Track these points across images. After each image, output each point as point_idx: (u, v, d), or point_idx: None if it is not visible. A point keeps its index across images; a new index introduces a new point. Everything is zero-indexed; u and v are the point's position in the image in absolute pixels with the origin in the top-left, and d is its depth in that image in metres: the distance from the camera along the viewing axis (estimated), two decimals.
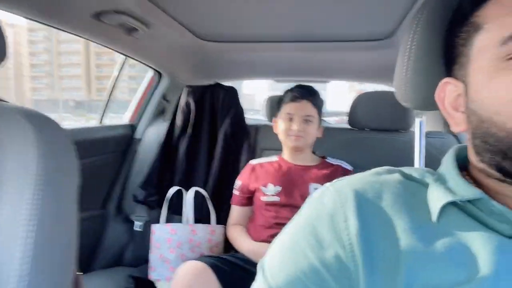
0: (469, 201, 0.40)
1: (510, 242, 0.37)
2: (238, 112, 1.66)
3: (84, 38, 1.24)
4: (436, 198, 0.41)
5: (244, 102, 1.79)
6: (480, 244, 0.37)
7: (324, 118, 2.66)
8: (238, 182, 1.41)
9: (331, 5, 1.14)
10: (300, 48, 1.49)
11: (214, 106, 1.67)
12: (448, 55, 0.46)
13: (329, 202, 0.43)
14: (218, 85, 1.72)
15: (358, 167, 1.08)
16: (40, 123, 0.46)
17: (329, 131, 1.66)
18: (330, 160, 1.39)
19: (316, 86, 1.49)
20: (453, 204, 0.41)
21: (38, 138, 0.44)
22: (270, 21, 1.32)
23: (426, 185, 0.44)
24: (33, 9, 0.96)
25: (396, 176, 0.46)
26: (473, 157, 0.43)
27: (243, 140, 1.63)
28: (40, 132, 0.44)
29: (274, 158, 1.40)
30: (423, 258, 0.37)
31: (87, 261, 1.56)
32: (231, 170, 1.56)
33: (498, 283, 0.35)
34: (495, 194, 0.41)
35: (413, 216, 0.40)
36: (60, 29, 1.11)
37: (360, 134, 1.58)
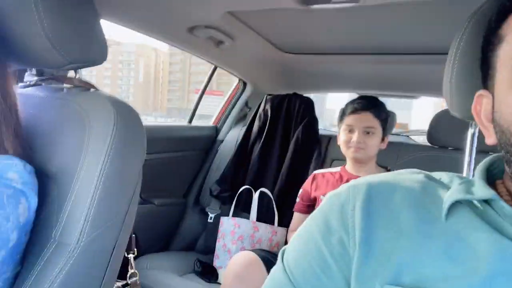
0: (487, 203, 0.40)
1: None
2: (311, 121, 1.72)
3: (180, 48, 1.46)
4: (450, 197, 0.42)
5: (327, 117, 1.83)
6: (482, 244, 0.37)
7: (411, 136, 2.52)
8: (301, 190, 1.46)
9: (414, 18, 1.14)
10: (380, 61, 1.49)
11: (290, 114, 1.76)
12: (482, 67, 0.47)
13: (343, 194, 0.47)
14: (295, 95, 1.80)
15: None
16: (120, 108, 0.60)
17: (407, 147, 1.60)
18: None
19: (401, 103, 1.46)
20: (467, 205, 0.41)
21: (117, 119, 0.58)
22: (349, 34, 1.36)
23: (448, 187, 0.45)
24: (140, 24, 1.19)
25: (418, 177, 0.47)
26: (505, 167, 0.43)
27: (314, 148, 1.67)
28: (119, 115, 0.59)
29: (337, 169, 1.42)
30: (419, 250, 0.39)
31: (166, 241, 1.78)
32: (299, 176, 1.62)
33: (491, 282, 0.35)
34: None
35: (421, 213, 0.42)
36: (161, 40, 1.34)
37: (438, 152, 1.49)
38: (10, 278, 0.52)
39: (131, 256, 0.76)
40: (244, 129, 1.86)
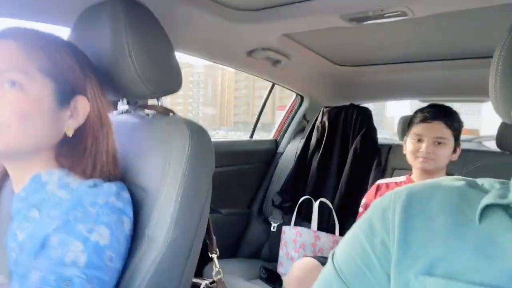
0: None
1: None
2: (369, 131, 1.73)
3: (240, 70, 1.59)
4: (483, 201, 0.44)
5: (388, 126, 1.83)
6: None
7: (483, 142, 2.37)
8: (363, 200, 1.45)
9: (464, 24, 1.13)
10: (433, 67, 1.47)
11: (347, 125, 1.79)
12: None
13: (386, 200, 0.52)
14: (352, 106, 1.83)
15: None
16: (194, 129, 0.72)
17: (474, 154, 1.53)
18: None
19: (470, 108, 1.42)
20: (503, 208, 0.44)
21: (191, 139, 0.70)
22: (401, 44, 1.38)
23: (487, 192, 0.47)
24: (205, 52, 1.34)
25: (458, 183, 0.50)
26: None
27: (373, 158, 1.68)
28: (193, 135, 0.71)
29: (402, 178, 1.39)
30: (451, 249, 0.42)
31: (233, 248, 1.90)
32: (359, 186, 1.64)
33: None
34: None
35: (456, 216, 0.45)
36: (222, 64, 1.48)
37: (508, 159, 1.41)
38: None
39: (214, 256, 0.85)
40: (302, 141, 1.93)
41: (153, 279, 0.64)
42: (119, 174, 0.69)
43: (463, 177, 0.53)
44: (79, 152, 0.63)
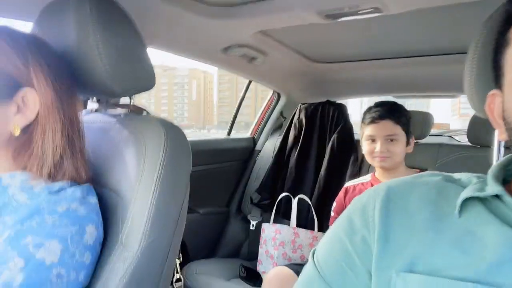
0: (500, 199, 0.43)
1: None
2: (346, 127, 1.75)
3: (216, 66, 1.56)
4: (462, 195, 0.45)
5: None
6: (491, 236, 0.40)
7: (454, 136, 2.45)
8: (334, 204, 1.46)
9: (434, 22, 1.16)
10: (408, 64, 1.50)
11: (324, 122, 1.80)
12: (494, 68, 0.50)
13: (365, 197, 0.52)
14: (329, 102, 1.84)
15: None
16: (169, 128, 0.70)
17: (446, 147, 1.58)
18: None
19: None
20: (481, 201, 0.44)
21: (166, 138, 0.68)
22: (376, 40, 1.39)
23: (465, 187, 0.47)
24: (180, 48, 1.31)
25: (436, 178, 0.50)
26: None
27: (350, 154, 1.70)
28: (168, 134, 0.68)
29: (367, 178, 1.41)
30: (431, 244, 0.42)
31: (212, 248, 1.88)
32: (336, 182, 1.65)
33: (498, 269, 0.38)
34: None
35: (435, 211, 0.45)
36: (197, 60, 1.45)
37: (479, 152, 1.46)
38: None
39: (177, 262, 0.81)
40: (280, 138, 1.93)
41: (128, 285, 0.61)
42: (89, 177, 0.65)
43: (440, 172, 0.53)
44: (35, 151, 0.58)
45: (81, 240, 0.56)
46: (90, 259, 0.58)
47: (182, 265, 1.25)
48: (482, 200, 0.44)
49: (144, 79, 0.76)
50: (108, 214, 0.65)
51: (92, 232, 0.58)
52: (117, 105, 0.80)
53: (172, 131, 0.70)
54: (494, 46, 0.50)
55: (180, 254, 0.86)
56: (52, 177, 0.59)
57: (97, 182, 0.69)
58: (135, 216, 0.62)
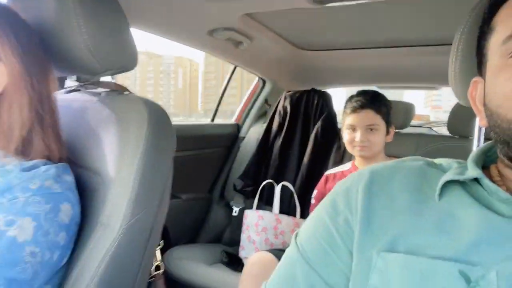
0: (479, 183, 0.44)
1: (501, 219, 0.40)
2: (330, 115, 1.76)
3: (202, 50, 1.53)
4: (443, 178, 0.46)
5: None
6: (470, 218, 0.41)
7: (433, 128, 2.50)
8: (315, 192, 1.47)
9: (422, 11, 1.16)
10: (395, 53, 1.51)
11: (308, 110, 1.81)
12: (477, 55, 0.51)
13: (349, 180, 0.52)
14: (313, 90, 1.84)
15: None
16: (152, 109, 0.68)
17: (426, 138, 1.61)
18: None
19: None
20: (460, 185, 0.45)
21: (150, 118, 0.66)
22: (363, 29, 1.39)
23: (445, 171, 0.48)
24: (163, 29, 1.27)
25: (418, 163, 0.51)
26: (497, 150, 0.47)
27: (333, 141, 1.71)
28: (151, 114, 0.66)
29: (347, 166, 1.43)
30: (412, 226, 0.43)
31: (194, 234, 1.87)
32: (319, 169, 1.67)
33: (475, 248, 0.39)
34: (510, 182, 0.44)
35: (416, 195, 0.46)
36: (182, 43, 1.42)
37: (458, 142, 1.49)
38: (66, 263, 0.60)
39: (157, 249, 0.79)
40: (264, 125, 1.92)
41: (108, 269, 0.60)
42: (64, 156, 0.63)
43: (422, 158, 0.54)
44: (1, 127, 0.56)
45: (55, 218, 0.54)
46: (66, 239, 0.57)
47: (163, 251, 1.24)
48: (462, 184, 0.45)
49: (127, 59, 0.74)
50: (88, 194, 0.63)
51: (68, 211, 0.57)
52: (98, 83, 0.77)
53: (155, 111, 0.68)
54: (479, 34, 0.50)
55: (162, 240, 0.84)
56: (21, 154, 0.57)
57: (76, 162, 0.67)
58: (116, 197, 0.61)
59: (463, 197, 0.44)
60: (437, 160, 0.53)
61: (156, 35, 1.28)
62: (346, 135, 1.34)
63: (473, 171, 0.44)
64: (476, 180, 0.44)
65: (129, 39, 0.74)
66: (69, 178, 0.59)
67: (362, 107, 1.29)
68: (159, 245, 0.81)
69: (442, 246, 0.41)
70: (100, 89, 0.77)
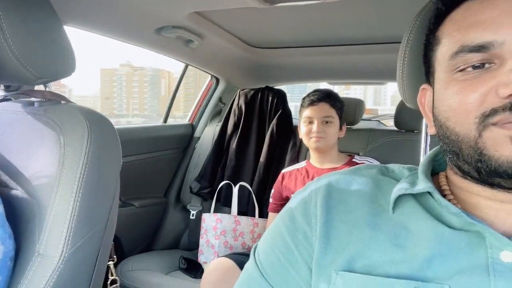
0: (430, 194, 0.45)
1: (451, 232, 0.40)
2: (285, 113, 1.76)
3: (149, 50, 1.45)
4: (395, 192, 0.46)
5: None
6: (423, 231, 0.41)
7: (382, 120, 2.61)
8: (272, 190, 1.52)
9: (371, 11, 1.19)
10: (343, 51, 1.54)
11: (263, 108, 1.80)
12: (425, 63, 0.51)
13: (307, 191, 0.51)
14: (268, 88, 1.84)
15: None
16: (92, 118, 0.62)
17: (376, 132, 1.67)
18: (357, 159, 1.42)
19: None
20: (413, 196, 0.45)
21: (90, 129, 0.60)
22: (313, 27, 1.40)
23: (398, 180, 0.49)
24: (105, 27, 1.18)
25: (372, 172, 0.51)
26: (446, 158, 0.48)
27: (289, 139, 1.72)
28: (92, 124, 0.61)
29: (302, 164, 1.48)
30: (369, 240, 0.43)
31: (150, 241, 1.79)
32: (276, 167, 1.67)
33: (429, 264, 0.39)
34: (459, 190, 0.45)
35: (372, 207, 0.46)
36: (129, 43, 1.33)
37: (405, 136, 1.56)
38: None
39: (110, 263, 0.74)
40: (220, 125, 1.88)
41: None
42: None
43: (376, 165, 0.54)
44: None
45: None
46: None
47: (117, 263, 1.17)
48: (414, 195, 0.45)
49: (62, 64, 0.67)
50: (21, 221, 0.56)
51: None
52: (30, 92, 0.69)
53: (96, 121, 0.62)
54: (425, 42, 0.51)
55: (114, 254, 0.78)
56: None
57: (6, 184, 0.59)
58: (54, 223, 0.55)
59: (416, 209, 0.44)
60: (390, 167, 0.53)
61: (98, 34, 1.18)
62: (303, 128, 1.41)
63: (423, 183, 0.44)
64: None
65: (65, 42, 0.67)
66: None
67: (319, 100, 1.39)
68: (113, 260, 0.76)
69: (399, 262, 0.41)
70: (33, 99, 0.69)
